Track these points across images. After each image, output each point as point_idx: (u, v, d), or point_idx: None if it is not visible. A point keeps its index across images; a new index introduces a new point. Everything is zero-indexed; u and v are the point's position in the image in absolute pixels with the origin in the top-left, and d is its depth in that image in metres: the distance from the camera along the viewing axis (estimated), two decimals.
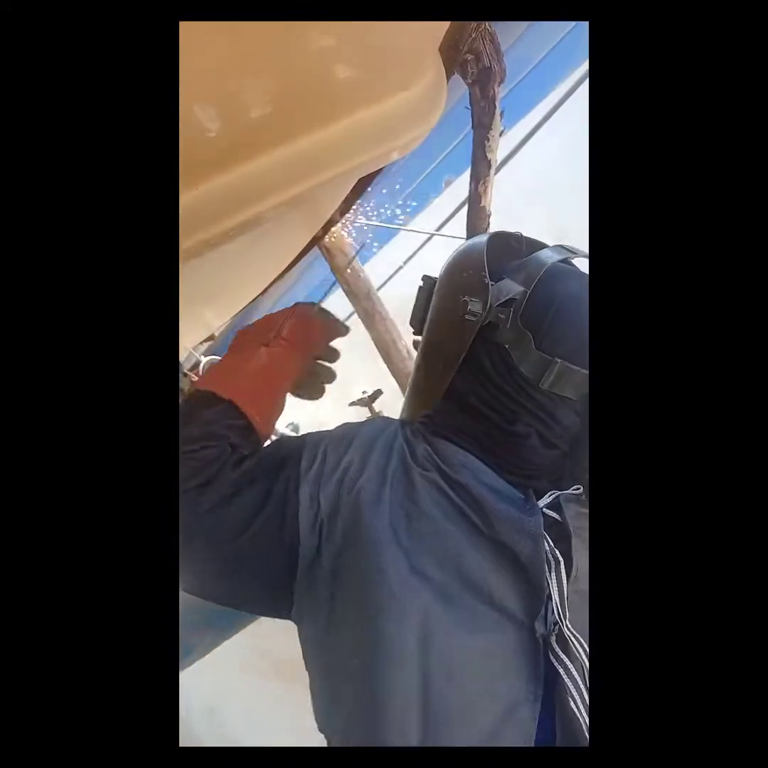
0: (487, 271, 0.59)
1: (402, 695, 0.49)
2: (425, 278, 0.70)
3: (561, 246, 0.63)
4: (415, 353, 0.75)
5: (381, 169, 0.92)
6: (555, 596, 0.54)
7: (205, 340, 1.53)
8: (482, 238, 0.65)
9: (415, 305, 0.70)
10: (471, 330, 0.59)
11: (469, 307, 0.58)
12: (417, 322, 0.70)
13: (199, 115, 0.57)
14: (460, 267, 0.64)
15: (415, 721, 0.49)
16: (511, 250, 0.67)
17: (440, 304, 0.66)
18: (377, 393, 1.60)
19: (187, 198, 0.61)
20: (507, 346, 0.58)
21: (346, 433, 0.62)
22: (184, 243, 0.62)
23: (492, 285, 0.59)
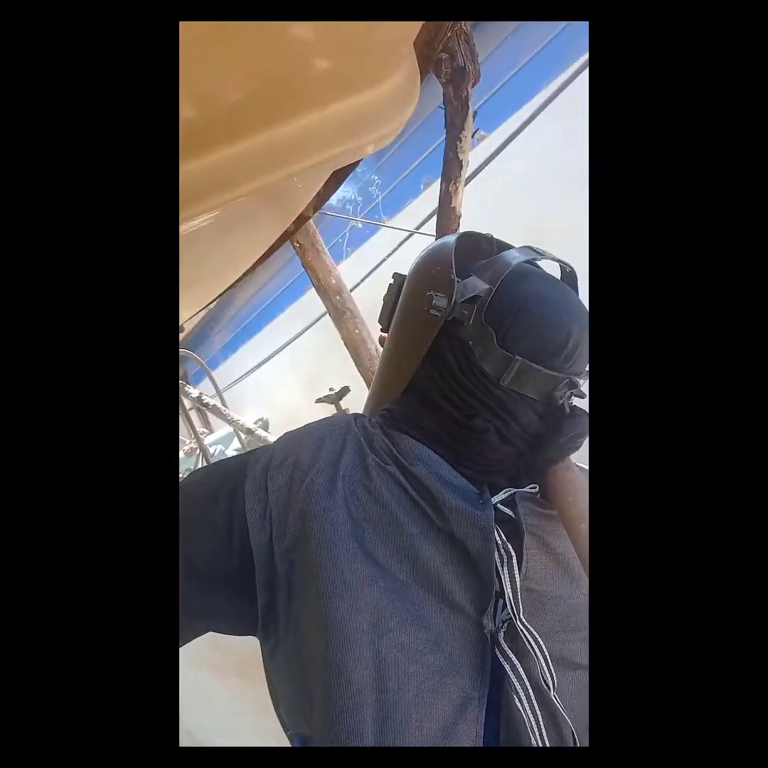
0: (454, 267, 0.60)
1: (356, 688, 0.49)
2: (396, 275, 0.71)
3: (529, 247, 0.64)
4: (381, 351, 0.75)
5: (355, 165, 0.92)
6: (508, 591, 0.54)
7: None
8: (452, 237, 0.65)
9: (384, 302, 0.71)
10: (435, 325, 0.60)
11: (433, 302, 0.59)
12: (385, 318, 0.71)
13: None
14: (428, 263, 0.65)
15: (370, 713, 0.49)
16: (481, 251, 0.67)
17: (407, 299, 0.67)
18: (344, 390, 1.59)
19: None
20: (470, 343, 0.59)
21: (295, 432, 0.63)
22: None
23: (458, 281, 0.59)
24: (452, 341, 0.60)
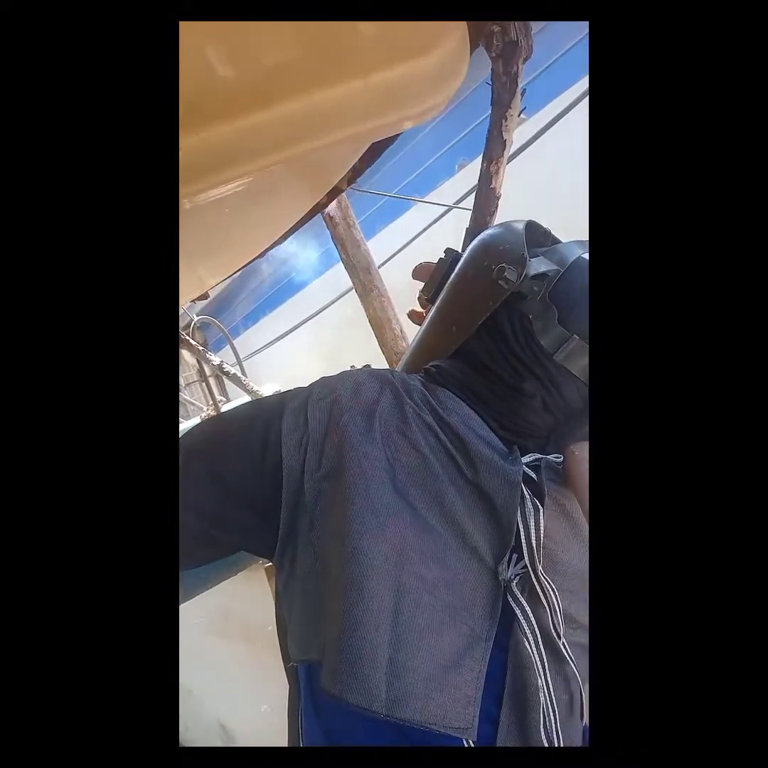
0: (526, 246, 0.64)
1: (376, 607, 0.52)
2: (448, 251, 0.75)
3: None
4: (408, 333, 0.77)
5: (393, 140, 0.89)
6: (532, 542, 0.57)
7: (199, 299, 1.50)
8: (520, 222, 0.70)
9: (432, 274, 0.75)
10: (499, 296, 0.63)
11: (504, 273, 0.62)
12: (432, 290, 0.75)
13: (211, 58, 0.54)
14: (497, 240, 0.69)
15: (386, 634, 0.52)
16: (537, 242, 0.71)
17: (468, 271, 0.70)
18: (365, 368, 1.58)
19: (187, 144, 0.59)
20: (531, 317, 0.62)
21: (333, 376, 0.66)
22: (186, 188, 0.61)
23: (529, 259, 0.63)
24: (511, 312, 0.64)
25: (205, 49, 0.55)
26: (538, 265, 0.63)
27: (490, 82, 0.73)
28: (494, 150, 0.77)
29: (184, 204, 0.67)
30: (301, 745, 0.61)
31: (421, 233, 2.17)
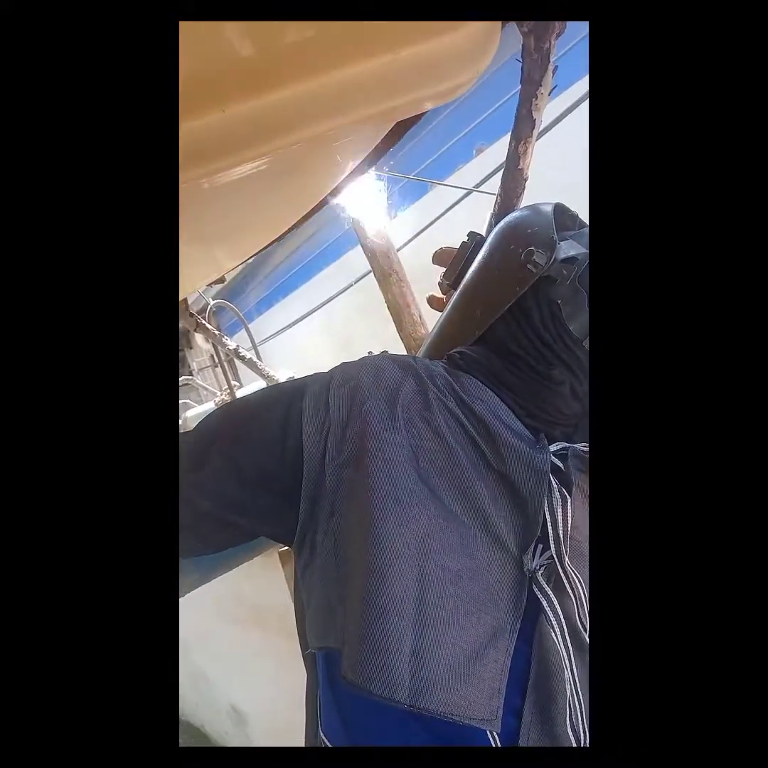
0: (555, 230, 0.63)
1: (400, 595, 0.51)
2: (471, 234, 0.73)
3: None
4: (427, 319, 0.77)
5: (417, 119, 0.87)
6: (559, 532, 0.56)
7: (216, 282, 1.49)
8: (548, 205, 0.69)
9: (455, 258, 0.74)
10: (527, 280, 0.62)
11: (534, 257, 0.61)
12: (454, 275, 0.73)
13: (230, 35, 0.53)
14: (524, 224, 0.67)
15: (410, 625, 0.51)
16: (565, 225, 0.69)
17: (494, 254, 0.69)
18: (384, 354, 1.57)
19: (209, 121, 0.58)
20: (559, 302, 0.61)
21: (354, 362, 0.65)
22: (205, 167, 0.59)
23: (558, 243, 0.62)
24: (539, 297, 0.62)
25: (226, 26, 0.53)
26: (568, 249, 0.62)
27: (521, 59, 0.71)
28: (523, 130, 0.74)
29: (203, 184, 0.66)
30: (320, 732, 0.60)
31: (439, 217, 2.14)
